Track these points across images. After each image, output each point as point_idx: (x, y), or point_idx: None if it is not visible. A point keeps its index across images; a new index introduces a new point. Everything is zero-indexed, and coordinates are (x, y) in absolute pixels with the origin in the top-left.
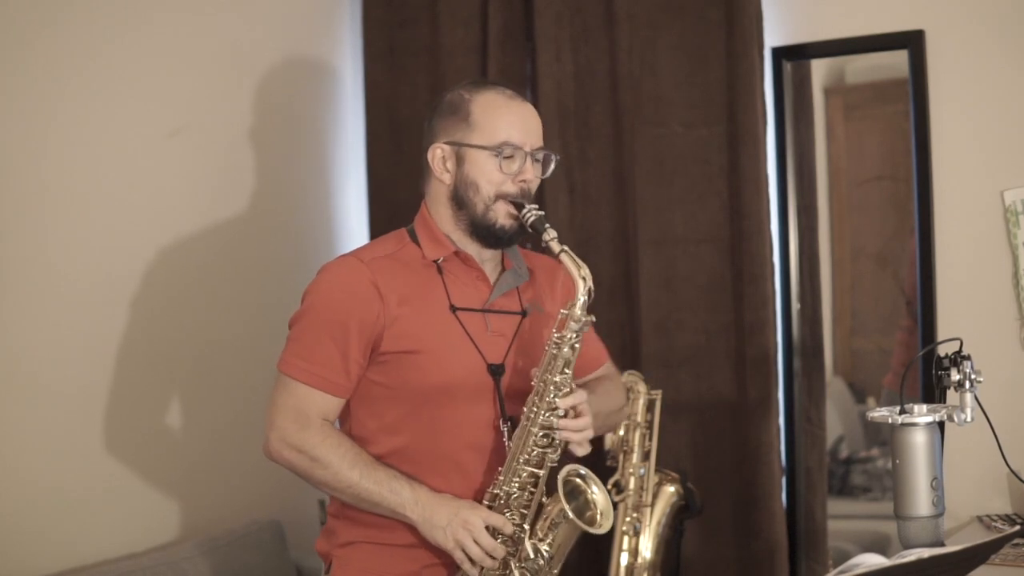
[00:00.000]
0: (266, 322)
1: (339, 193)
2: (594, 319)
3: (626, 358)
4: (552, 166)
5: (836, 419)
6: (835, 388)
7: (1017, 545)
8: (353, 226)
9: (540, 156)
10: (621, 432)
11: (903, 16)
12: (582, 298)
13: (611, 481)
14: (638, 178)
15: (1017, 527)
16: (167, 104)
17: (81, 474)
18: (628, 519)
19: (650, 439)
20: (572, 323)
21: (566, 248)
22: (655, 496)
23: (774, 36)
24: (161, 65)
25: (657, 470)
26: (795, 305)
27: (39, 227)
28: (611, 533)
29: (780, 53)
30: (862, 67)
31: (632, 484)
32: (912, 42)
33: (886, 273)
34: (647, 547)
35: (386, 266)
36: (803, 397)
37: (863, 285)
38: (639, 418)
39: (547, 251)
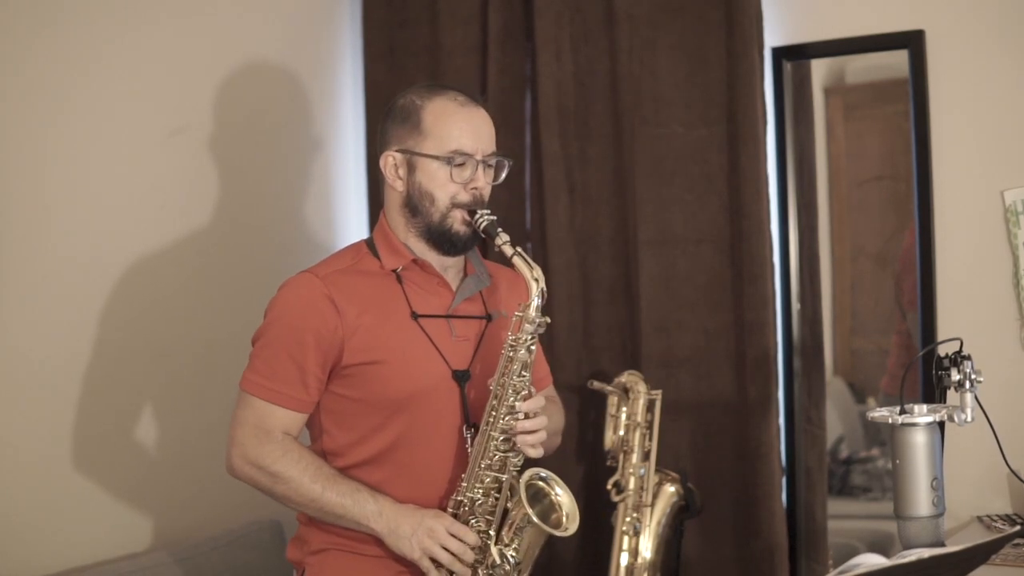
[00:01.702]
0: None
1: (339, 193)
2: (548, 320)
3: (626, 358)
4: (505, 171)
5: (836, 419)
6: (835, 388)
7: (1017, 545)
8: (353, 226)
9: (492, 162)
10: (621, 432)
11: (903, 16)
12: (536, 300)
13: (611, 481)
14: (638, 178)
15: (1017, 527)
16: (167, 104)
17: (81, 474)
18: (628, 519)
19: (650, 439)
20: (527, 325)
21: (518, 250)
22: (655, 496)
23: (774, 36)
24: (161, 65)
25: (657, 470)
26: (795, 305)
27: (34, 228)
28: (611, 533)
29: (780, 53)
30: (862, 67)
31: (632, 484)
32: (912, 42)
33: (886, 273)
34: (647, 547)
35: (342, 280)
36: (803, 397)
37: (863, 285)
38: (639, 418)
39: (500, 256)
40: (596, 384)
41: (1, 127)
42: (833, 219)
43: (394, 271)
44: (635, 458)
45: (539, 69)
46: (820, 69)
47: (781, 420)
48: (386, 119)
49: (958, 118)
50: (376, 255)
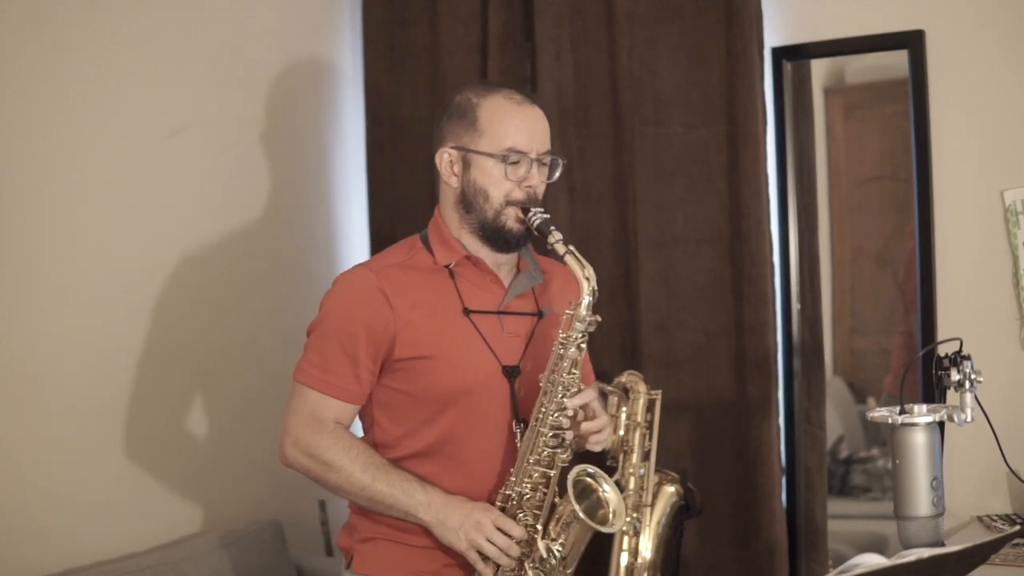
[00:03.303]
0: (264, 322)
1: (339, 193)
2: (599, 319)
3: (626, 358)
4: (559, 170)
5: (836, 419)
6: (835, 388)
7: (1017, 545)
8: (353, 226)
9: (547, 160)
10: (621, 432)
11: (903, 16)
12: (587, 298)
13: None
14: (638, 178)
15: (1017, 527)
16: (167, 105)
17: (81, 474)
18: (628, 519)
19: (650, 439)
20: (577, 323)
21: (571, 249)
22: (655, 496)
23: (774, 36)
24: (161, 66)
25: (657, 470)
26: (795, 305)
27: (40, 226)
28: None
29: (780, 53)
30: (862, 67)
31: (632, 484)
32: (912, 42)
33: (886, 273)
34: (647, 547)
35: (396, 274)
36: (803, 397)
37: (863, 285)
38: (639, 418)
39: (552, 253)
40: (596, 384)
41: (6, 127)
42: (833, 219)
43: (447, 267)
44: (635, 458)
45: (539, 69)
46: (820, 69)
47: (781, 420)
48: (441, 116)
49: (958, 118)
50: (430, 250)
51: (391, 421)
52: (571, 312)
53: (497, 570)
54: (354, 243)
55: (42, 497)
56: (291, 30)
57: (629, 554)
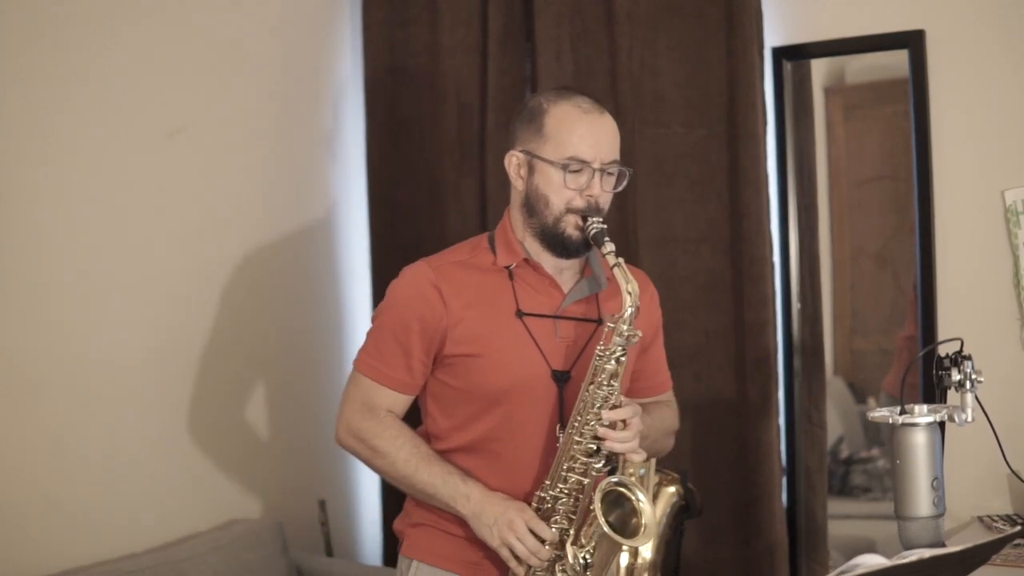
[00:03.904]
0: (263, 323)
1: (339, 193)
2: (640, 333)
3: None
4: (626, 180)
5: (836, 419)
6: (835, 388)
7: (1018, 545)
8: (353, 226)
9: (613, 170)
10: None
11: (903, 16)
12: (629, 310)
13: None
14: (638, 178)
15: (1018, 527)
16: (167, 105)
17: (80, 475)
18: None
19: None
20: (617, 337)
21: (620, 262)
22: (655, 496)
23: (774, 36)
24: (162, 66)
25: (657, 470)
26: (795, 305)
27: (36, 226)
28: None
29: (780, 53)
30: (862, 67)
31: None
32: (912, 42)
33: (886, 273)
34: (647, 547)
35: (454, 272)
36: (803, 397)
37: (863, 285)
38: None
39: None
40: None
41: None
42: (833, 219)
43: (507, 268)
44: (635, 458)
45: (539, 69)
46: (820, 69)
47: (781, 420)
48: (516, 118)
49: (958, 118)
50: (493, 250)
51: (441, 413)
52: (612, 325)
53: (529, 569)
54: (354, 243)
55: (42, 497)
56: (291, 30)
57: (629, 554)
